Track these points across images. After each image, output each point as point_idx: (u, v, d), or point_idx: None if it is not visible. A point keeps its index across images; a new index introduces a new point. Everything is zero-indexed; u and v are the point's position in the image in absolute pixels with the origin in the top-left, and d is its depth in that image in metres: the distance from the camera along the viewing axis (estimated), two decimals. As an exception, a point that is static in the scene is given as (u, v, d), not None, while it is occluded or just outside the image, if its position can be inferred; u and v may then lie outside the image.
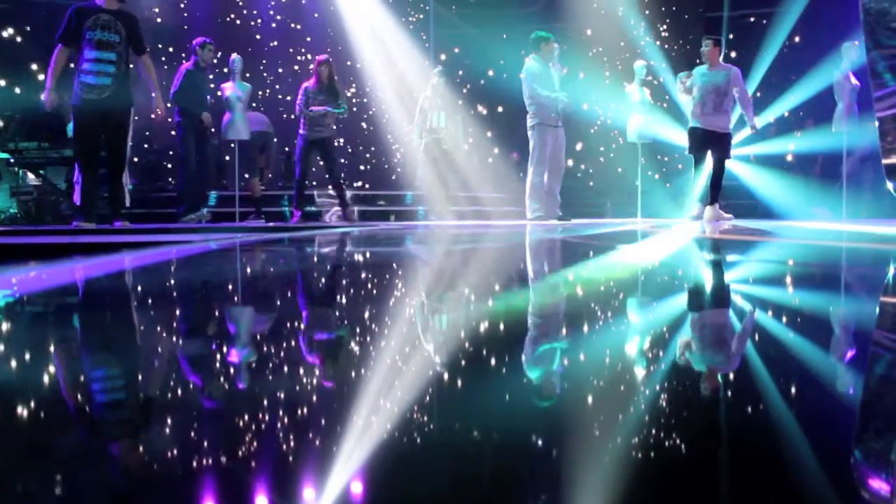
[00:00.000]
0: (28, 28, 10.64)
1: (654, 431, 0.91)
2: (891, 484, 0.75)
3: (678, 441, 0.88)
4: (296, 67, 11.80)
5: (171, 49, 11.58)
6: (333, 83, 8.49)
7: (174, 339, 1.68)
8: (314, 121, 8.38)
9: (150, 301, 2.38)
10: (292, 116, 8.59)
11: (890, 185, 7.56)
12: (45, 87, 6.69)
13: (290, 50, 11.85)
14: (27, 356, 1.46)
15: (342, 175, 9.13)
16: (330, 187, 9.16)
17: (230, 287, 2.78)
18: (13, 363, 1.39)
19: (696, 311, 2.03)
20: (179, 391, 1.17)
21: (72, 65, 6.85)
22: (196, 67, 8.43)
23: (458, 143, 10.05)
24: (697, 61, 8.57)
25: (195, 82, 8.43)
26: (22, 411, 1.04)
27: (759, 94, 11.41)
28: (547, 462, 0.82)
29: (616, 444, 0.87)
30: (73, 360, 1.45)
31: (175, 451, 0.87)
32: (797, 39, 11.43)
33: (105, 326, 1.88)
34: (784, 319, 1.86)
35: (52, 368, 1.34)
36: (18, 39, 10.64)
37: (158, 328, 1.83)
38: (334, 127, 8.80)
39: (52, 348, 1.56)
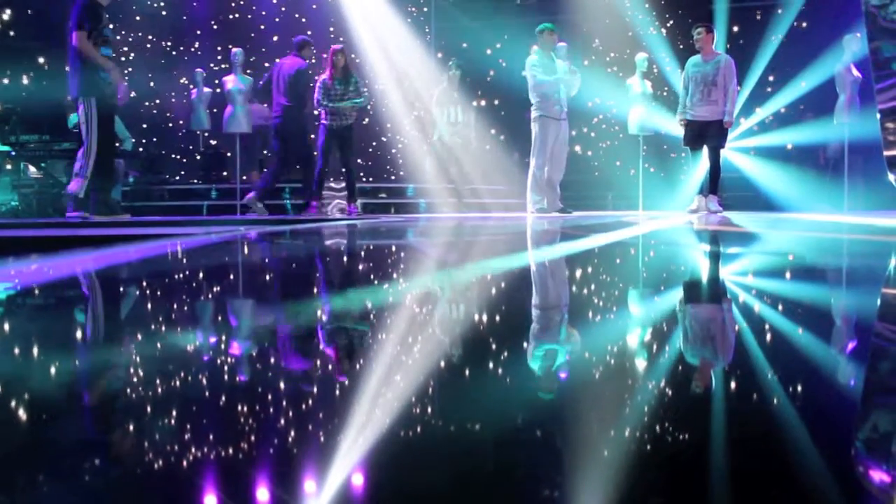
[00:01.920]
0: (29, 11, 10.51)
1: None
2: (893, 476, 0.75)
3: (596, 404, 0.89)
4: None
5: (170, 42, 11.56)
6: (349, 71, 8.48)
7: (205, 329, 1.70)
8: (337, 111, 8.36)
9: (160, 294, 2.39)
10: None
11: (891, 177, 7.57)
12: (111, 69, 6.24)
13: (293, 42, 11.80)
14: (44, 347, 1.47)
15: (356, 168, 9.02)
16: (333, 180, 9.09)
17: (237, 278, 2.79)
18: (26, 353, 1.41)
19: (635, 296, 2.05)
20: (227, 374, 1.18)
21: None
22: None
23: (474, 136, 10.02)
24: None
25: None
26: (67, 389, 1.05)
27: (768, 90, 11.34)
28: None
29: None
30: (81, 358, 1.46)
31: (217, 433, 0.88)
32: (799, 31, 11.39)
33: (110, 318, 1.89)
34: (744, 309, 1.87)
35: (80, 359, 1.36)
36: (12, 34, 10.54)
37: (171, 321, 1.84)
38: (355, 114, 8.73)
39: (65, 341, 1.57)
